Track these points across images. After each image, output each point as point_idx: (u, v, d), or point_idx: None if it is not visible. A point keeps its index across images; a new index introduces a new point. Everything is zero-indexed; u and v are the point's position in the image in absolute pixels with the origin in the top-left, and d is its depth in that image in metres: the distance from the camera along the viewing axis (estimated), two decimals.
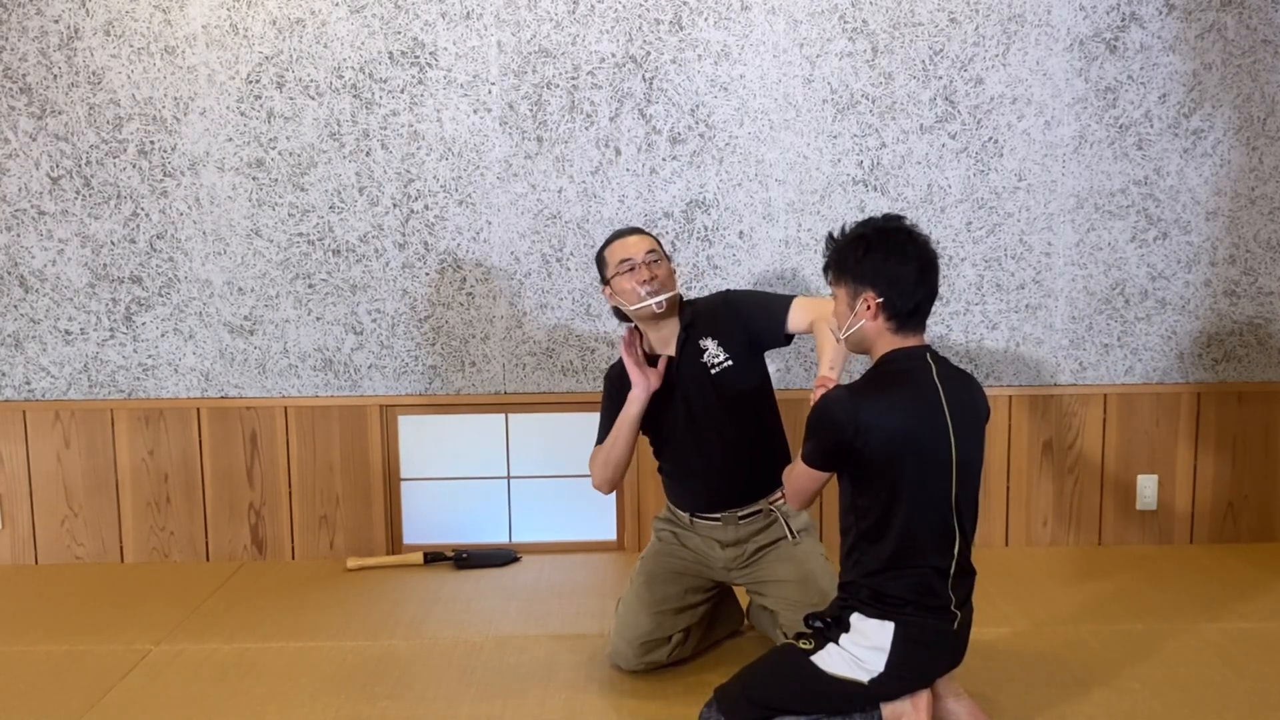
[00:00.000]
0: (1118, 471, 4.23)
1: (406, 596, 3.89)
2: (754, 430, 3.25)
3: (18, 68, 4.02)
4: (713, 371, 3.20)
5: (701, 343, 3.21)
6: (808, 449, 2.64)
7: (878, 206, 4.09)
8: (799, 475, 2.70)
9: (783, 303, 3.19)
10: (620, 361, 3.31)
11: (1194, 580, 3.88)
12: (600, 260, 3.28)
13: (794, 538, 3.24)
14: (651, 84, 4.05)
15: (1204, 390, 4.20)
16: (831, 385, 2.76)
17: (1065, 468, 4.22)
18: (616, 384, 3.32)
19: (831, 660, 2.63)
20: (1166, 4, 4.02)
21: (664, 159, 4.08)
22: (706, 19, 4.02)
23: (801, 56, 4.04)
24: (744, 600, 3.51)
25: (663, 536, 3.38)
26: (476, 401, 4.20)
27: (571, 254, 4.12)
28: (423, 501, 4.28)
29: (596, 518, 4.30)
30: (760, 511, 3.26)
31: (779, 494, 3.25)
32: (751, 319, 3.22)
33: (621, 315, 3.30)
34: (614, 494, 4.26)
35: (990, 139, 4.08)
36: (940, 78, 4.05)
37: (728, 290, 3.37)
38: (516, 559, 4.23)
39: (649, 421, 3.29)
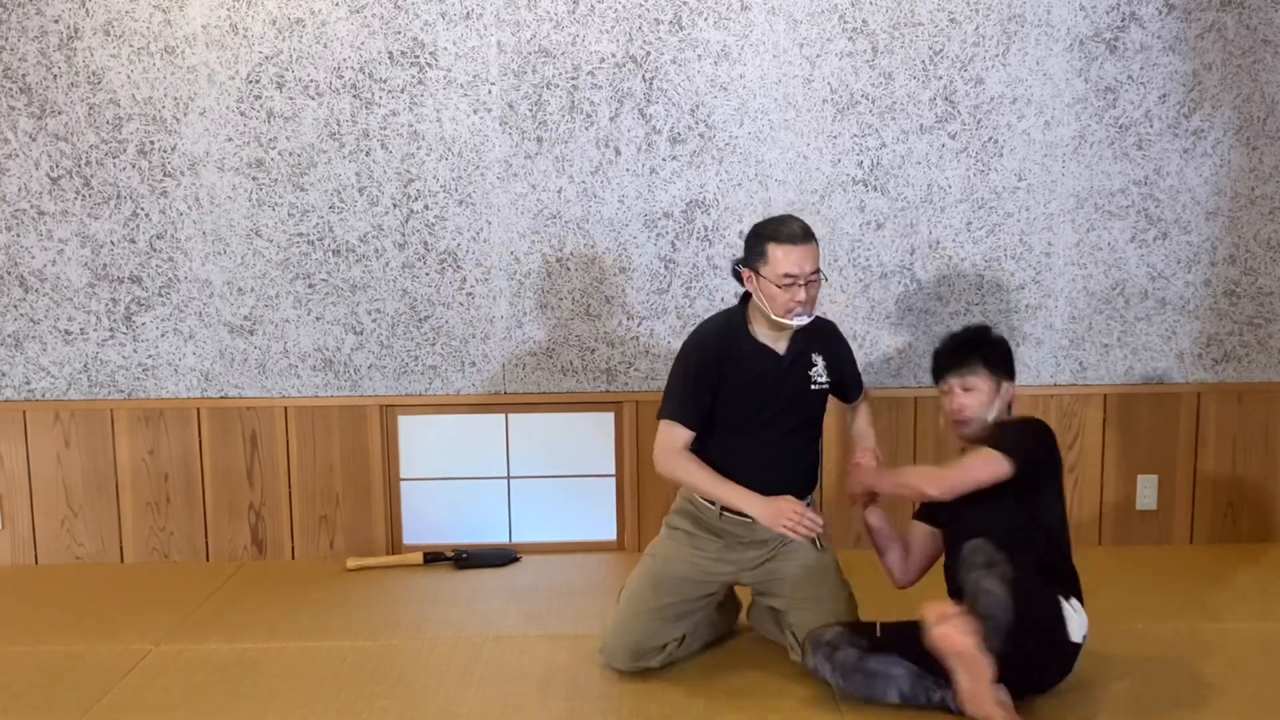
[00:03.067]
0: (1117, 471, 4.23)
1: (406, 597, 3.88)
2: (808, 441, 3.34)
3: (17, 68, 4.02)
4: (813, 386, 3.28)
5: (814, 356, 3.28)
6: (1018, 449, 3.00)
7: (877, 207, 4.09)
8: (982, 465, 3.00)
9: (860, 384, 3.50)
10: (707, 330, 3.27)
11: (1194, 580, 3.88)
12: (760, 249, 3.13)
13: (819, 543, 3.28)
14: (651, 84, 4.05)
15: (1204, 390, 4.20)
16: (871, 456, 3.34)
17: (1065, 468, 4.21)
18: (705, 355, 3.21)
19: (1070, 611, 2.92)
20: (1166, 4, 4.02)
21: (664, 159, 4.08)
22: (706, 19, 4.02)
23: (801, 56, 4.04)
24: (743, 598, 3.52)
25: (677, 536, 3.32)
26: (476, 401, 4.20)
27: (571, 254, 4.12)
28: (422, 501, 4.28)
29: (596, 518, 4.30)
30: None
31: (806, 501, 3.25)
32: (849, 368, 3.43)
33: (739, 277, 3.24)
34: (614, 495, 4.29)
35: (990, 139, 4.08)
36: (940, 78, 4.05)
37: (836, 326, 3.47)
38: (516, 559, 4.23)
39: (727, 402, 3.23)
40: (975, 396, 3.16)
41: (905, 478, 3.25)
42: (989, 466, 2.99)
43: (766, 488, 3.18)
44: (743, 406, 3.23)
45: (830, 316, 4.14)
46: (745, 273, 3.20)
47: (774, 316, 3.14)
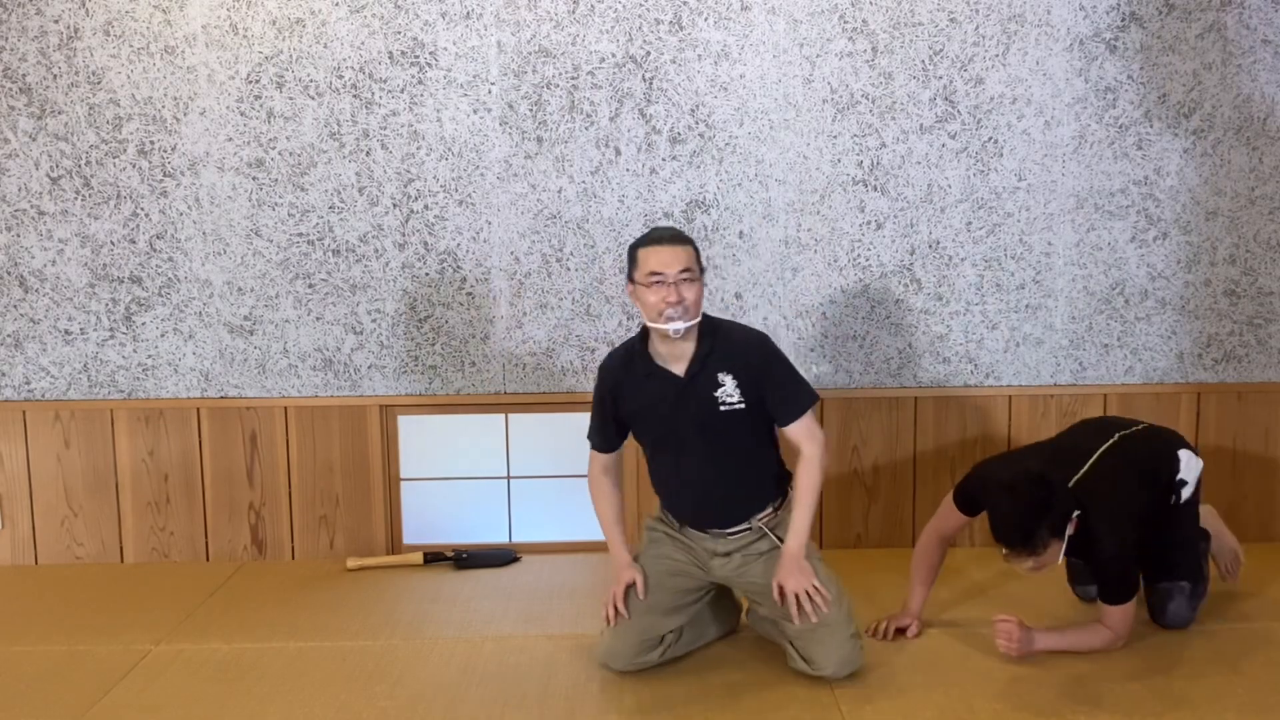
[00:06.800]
0: None
1: (406, 597, 3.88)
2: (742, 460, 3.23)
3: (17, 68, 4.02)
4: (721, 409, 3.15)
5: (720, 376, 3.16)
6: (1128, 583, 3.20)
7: (877, 206, 4.09)
8: (1122, 616, 3.21)
9: (799, 402, 3.20)
10: (610, 356, 3.32)
11: None
12: (631, 256, 3.17)
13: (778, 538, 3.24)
14: (651, 84, 4.05)
15: (1204, 390, 4.20)
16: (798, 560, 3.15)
17: None
18: (608, 382, 3.30)
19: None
20: (1166, 4, 4.02)
21: (664, 159, 4.08)
22: (706, 19, 4.02)
23: (801, 56, 4.04)
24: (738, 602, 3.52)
25: (656, 538, 3.37)
26: (476, 401, 4.20)
27: (571, 254, 4.12)
28: (422, 501, 4.28)
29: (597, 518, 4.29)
30: (750, 529, 3.27)
31: (768, 511, 3.25)
32: (774, 387, 3.19)
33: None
34: None
35: (990, 139, 4.08)
36: (940, 78, 4.05)
37: (766, 339, 3.25)
38: (516, 559, 4.23)
39: (636, 427, 3.29)
40: (1047, 558, 3.07)
41: (1082, 646, 3.24)
42: (1127, 613, 3.20)
43: (707, 507, 3.25)
44: (651, 431, 3.26)
45: (829, 316, 4.15)
46: (628, 288, 3.19)
47: (650, 324, 3.12)
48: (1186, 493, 3.38)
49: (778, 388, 3.19)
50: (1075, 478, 3.24)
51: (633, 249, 3.17)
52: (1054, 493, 3.06)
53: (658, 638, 3.22)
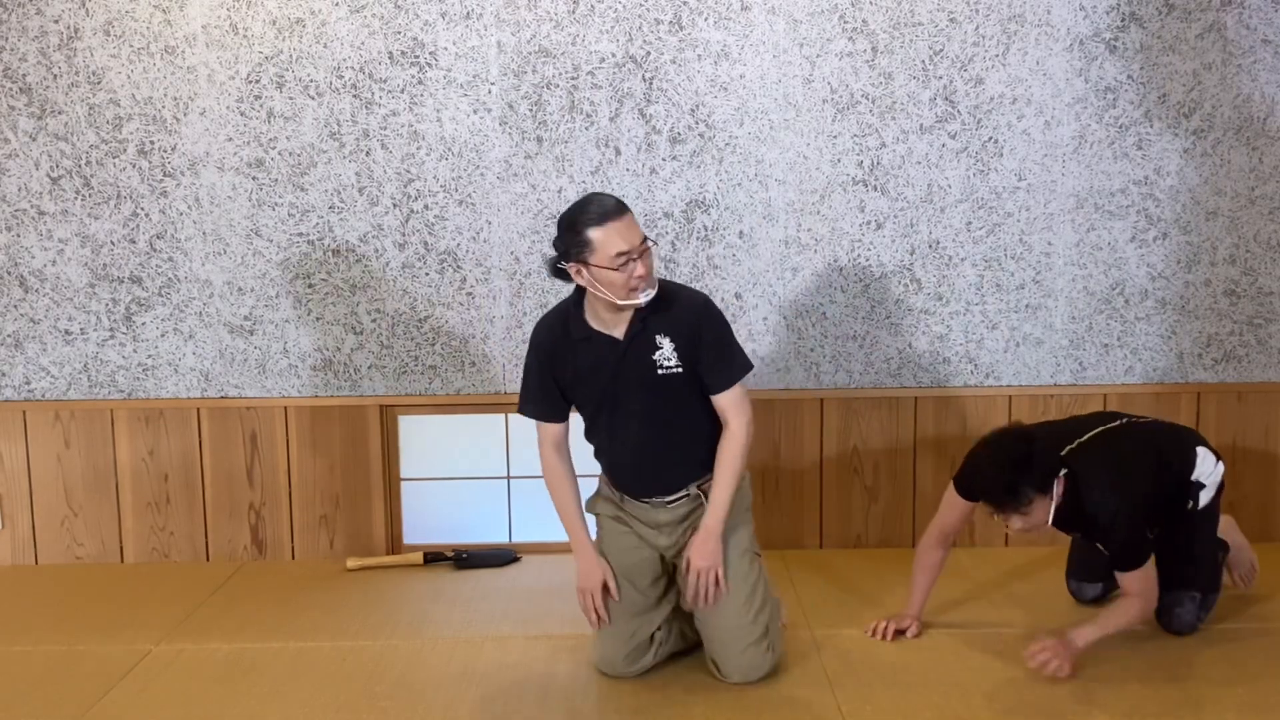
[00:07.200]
0: None
1: (406, 597, 3.88)
2: (683, 423, 3.14)
3: (17, 68, 4.01)
4: (659, 372, 3.06)
5: (658, 339, 3.06)
6: (1140, 549, 3.15)
7: (877, 206, 4.09)
8: (1144, 579, 3.16)
9: (730, 372, 3.11)
10: (543, 322, 3.17)
11: None
12: (579, 239, 2.94)
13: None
14: (651, 84, 4.04)
15: (1204, 390, 4.20)
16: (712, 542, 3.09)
17: None
18: (540, 350, 3.15)
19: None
20: (1166, 4, 4.01)
21: (664, 159, 4.07)
22: (706, 19, 4.02)
23: (801, 56, 4.04)
24: None
25: (606, 526, 3.29)
26: (476, 401, 4.20)
27: None
28: (423, 502, 4.27)
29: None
30: (687, 495, 3.20)
31: (708, 477, 3.16)
32: (707, 353, 3.09)
33: (564, 275, 3.03)
34: None
35: (990, 139, 4.07)
36: (940, 78, 4.05)
37: (708, 303, 3.16)
38: (516, 559, 4.23)
39: (575, 395, 3.18)
40: (1034, 518, 3.06)
41: (1117, 624, 3.18)
42: (1147, 574, 3.16)
43: (647, 473, 3.17)
44: (592, 398, 3.14)
45: (830, 316, 4.15)
46: (573, 268, 2.98)
47: (620, 302, 2.97)
48: (1205, 498, 3.34)
49: (711, 354, 3.09)
50: (1069, 447, 3.23)
51: (581, 230, 2.94)
52: (1034, 445, 3.07)
53: (647, 638, 3.20)
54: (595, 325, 3.09)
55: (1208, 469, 3.34)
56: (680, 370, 3.07)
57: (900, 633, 3.41)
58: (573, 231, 2.96)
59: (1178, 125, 4.07)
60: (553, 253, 3.06)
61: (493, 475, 4.28)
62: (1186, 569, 3.36)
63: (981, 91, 4.05)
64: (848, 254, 4.13)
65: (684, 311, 3.09)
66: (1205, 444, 3.40)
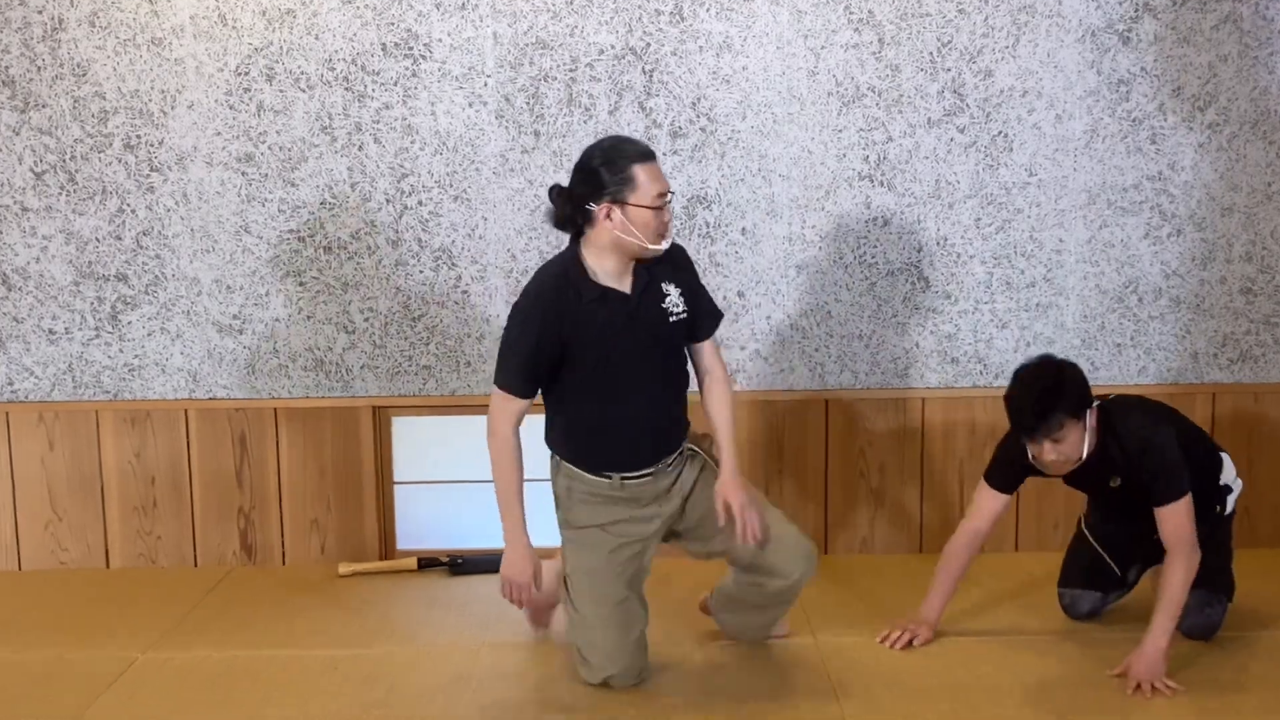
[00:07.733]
0: None
1: (400, 603, 3.84)
2: (679, 376, 3.15)
3: (0, 60, 3.94)
4: (671, 320, 3.03)
5: (664, 286, 3.04)
6: (1181, 478, 3.10)
7: (884, 202, 4.02)
8: (1186, 515, 3.09)
9: (715, 315, 3.20)
10: (544, 284, 2.99)
11: None
12: (622, 175, 2.87)
13: (718, 465, 3.15)
14: (651, 76, 3.97)
15: (1219, 391, 4.13)
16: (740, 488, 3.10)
17: None
18: (546, 313, 2.95)
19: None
20: None
21: (665, 153, 3.99)
22: (708, 10, 3.95)
23: (806, 48, 3.97)
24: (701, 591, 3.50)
25: (592, 537, 3.17)
26: (472, 403, 4.12)
27: None
28: (416, 505, 4.21)
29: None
30: (681, 453, 3.18)
31: (689, 429, 3.21)
32: (701, 295, 3.16)
33: (574, 225, 2.97)
34: None
35: (1000, 133, 4.00)
36: (948, 70, 3.97)
37: (683, 248, 3.20)
38: None
39: (579, 362, 3.00)
40: (1068, 446, 3.08)
41: (1177, 597, 3.08)
42: (1186, 510, 3.09)
43: (659, 439, 3.11)
44: (598, 362, 2.99)
45: (835, 315, 4.08)
46: (603, 209, 2.88)
47: (650, 246, 2.91)
48: (1230, 503, 3.36)
49: (705, 297, 3.17)
50: (1098, 402, 3.22)
51: (626, 165, 2.89)
52: (1066, 372, 3.11)
53: (640, 633, 3.13)
54: (604, 282, 2.99)
55: (1232, 475, 3.36)
56: (685, 316, 3.08)
57: (909, 642, 3.34)
58: (613, 168, 2.89)
59: (1193, 119, 4.00)
60: (554, 221, 3.03)
61: (488, 479, 4.19)
62: (1218, 575, 3.32)
63: (991, 84, 3.98)
64: (853, 251, 4.06)
65: (674, 257, 3.10)
66: (1229, 457, 3.43)
